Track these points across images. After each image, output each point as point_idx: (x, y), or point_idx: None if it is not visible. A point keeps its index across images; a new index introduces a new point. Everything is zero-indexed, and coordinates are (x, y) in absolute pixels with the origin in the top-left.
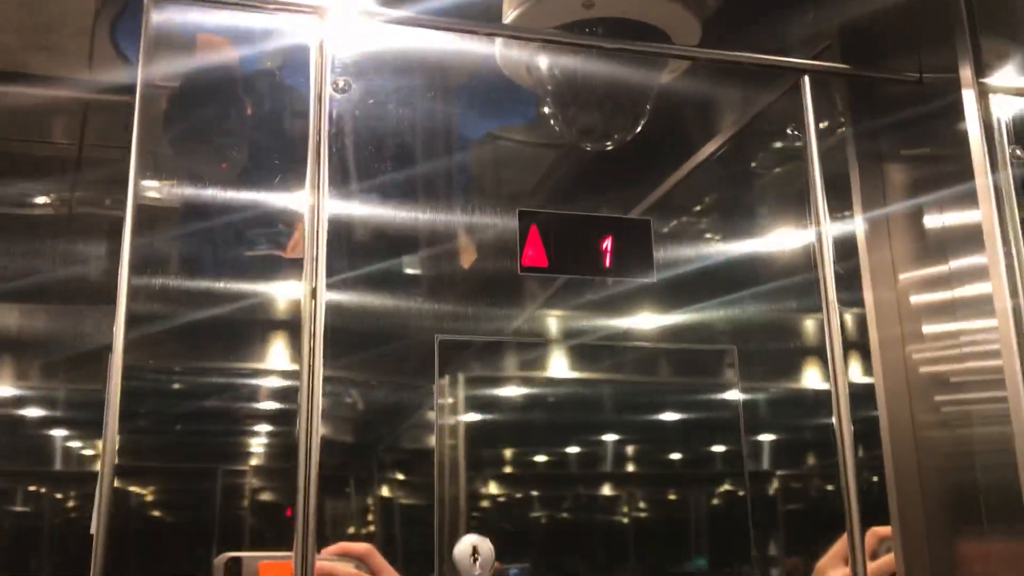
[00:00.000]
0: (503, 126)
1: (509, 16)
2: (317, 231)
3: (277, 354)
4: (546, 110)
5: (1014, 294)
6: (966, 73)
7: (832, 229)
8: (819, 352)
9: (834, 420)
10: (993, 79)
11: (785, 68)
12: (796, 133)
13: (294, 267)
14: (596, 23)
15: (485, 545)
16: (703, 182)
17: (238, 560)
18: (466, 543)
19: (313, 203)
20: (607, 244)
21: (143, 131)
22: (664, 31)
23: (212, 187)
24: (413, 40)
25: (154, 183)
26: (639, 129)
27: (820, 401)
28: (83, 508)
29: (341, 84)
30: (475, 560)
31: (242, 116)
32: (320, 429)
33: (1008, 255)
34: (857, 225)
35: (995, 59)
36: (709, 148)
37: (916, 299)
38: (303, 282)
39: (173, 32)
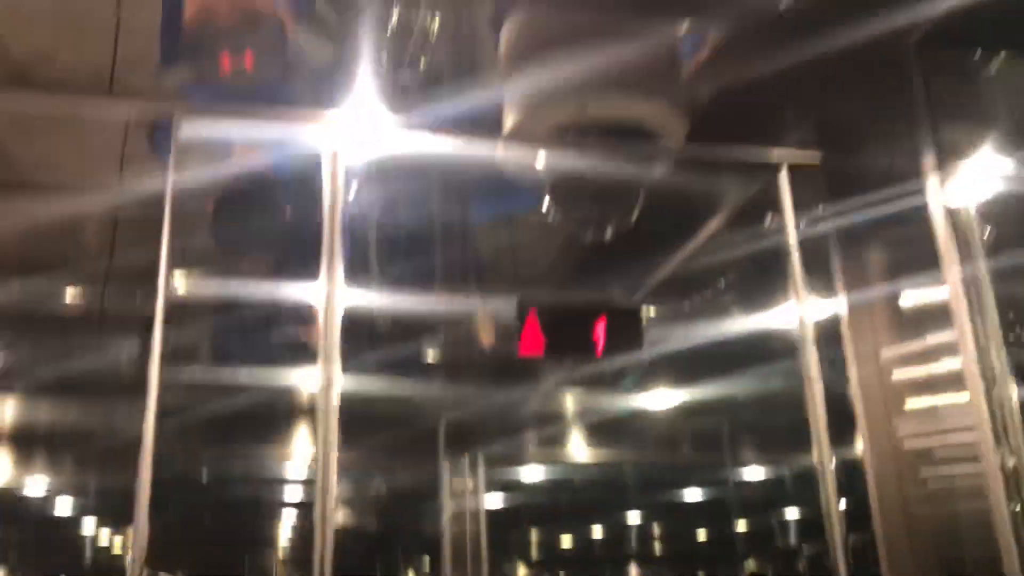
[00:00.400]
0: (504, 218)
1: (509, 120)
2: (331, 323)
3: (293, 442)
4: (545, 207)
5: (985, 371)
6: (929, 160)
7: (815, 310)
8: (805, 429)
9: (822, 499)
10: (962, 164)
11: (764, 162)
12: (774, 222)
13: (311, 357)
14: (590, 124)
15: None
16: (694, 269)
17: None
18: None
19: (327, 294)
20: (600, 330)
21: (172, 233)
22: (652, 129)
23: (235, 282)
24: (420, 144)
25: (182, 281)
26: (633, 220)
27: (808, 480)
28: None
29: (352, 186)
30: None
31: (263, 218)
32: (334, 515)
33: (976, 331)
34: (840, 305)
35: (966, 145)
36: (698, 238)
37: (898, 375)
38: (320, 368)
39: (200, 143)
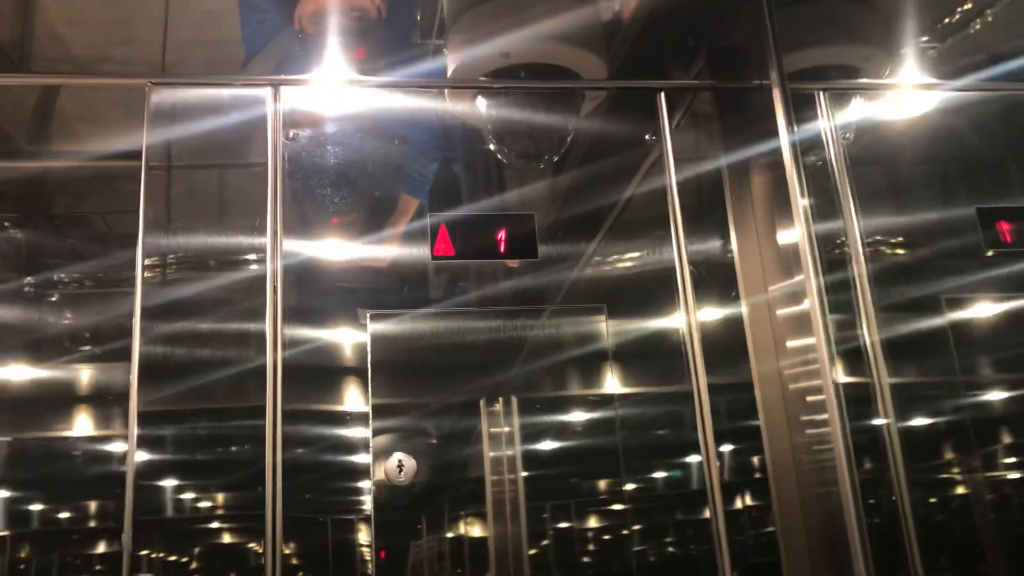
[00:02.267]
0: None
1: (450, 70)
2: (275, 287)
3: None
4: (492, 146)
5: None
6: (774, 75)
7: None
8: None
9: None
10: (829, 82)
11: (641, 88)
12: (653, 138)
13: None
14: (518, 68)
15: (410, 460)
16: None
17: None
18: (394, 458)
19: (271, 253)
20: (501, 235)
21: (149, 194)
22: (574, 71)
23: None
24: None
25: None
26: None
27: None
28: None
29: (292, 134)
30: (400, 470)
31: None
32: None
33: (816, 269)
34: (731, 238)
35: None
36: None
37: (782, 312)
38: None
39: (167, 109)
